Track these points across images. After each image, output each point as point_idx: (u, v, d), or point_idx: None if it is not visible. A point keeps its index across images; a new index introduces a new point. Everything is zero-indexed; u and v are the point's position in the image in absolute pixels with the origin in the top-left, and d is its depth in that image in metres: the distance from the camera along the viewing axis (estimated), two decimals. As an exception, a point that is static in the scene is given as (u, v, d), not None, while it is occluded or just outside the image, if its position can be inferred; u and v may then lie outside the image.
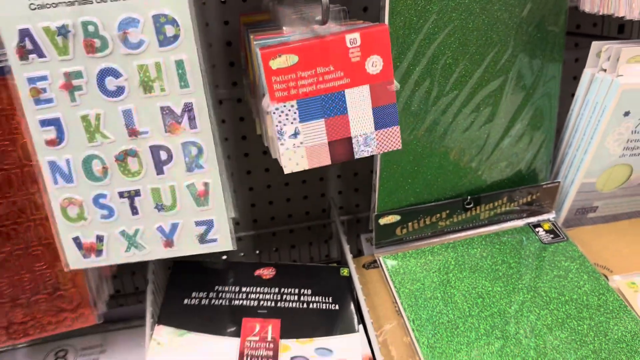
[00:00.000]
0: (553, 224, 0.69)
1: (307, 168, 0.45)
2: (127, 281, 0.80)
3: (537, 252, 0.66)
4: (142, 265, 0.66)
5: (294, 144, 0.44)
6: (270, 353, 0.55)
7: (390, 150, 0.47)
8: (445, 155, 0.63)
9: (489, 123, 0.62)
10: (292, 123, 0.43)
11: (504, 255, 0.65)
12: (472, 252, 0.66)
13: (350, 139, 0.46)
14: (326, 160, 0.45)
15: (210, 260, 0.65)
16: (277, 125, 0.43)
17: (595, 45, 0.62)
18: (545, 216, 0.70)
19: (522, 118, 0.64)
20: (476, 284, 0.62)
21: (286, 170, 0.45)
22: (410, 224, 0.65)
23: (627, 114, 0.61)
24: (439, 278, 0.63)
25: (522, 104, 0.63)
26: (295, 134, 0.44)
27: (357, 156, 0.46)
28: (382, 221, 0.64)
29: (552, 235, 0.68)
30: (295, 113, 0.43)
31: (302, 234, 0.85)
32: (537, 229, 0.68)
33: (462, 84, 0.59)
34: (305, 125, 0.44)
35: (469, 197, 0.66)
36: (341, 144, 0.46)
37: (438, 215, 0.66)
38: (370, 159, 0.61)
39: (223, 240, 0.51)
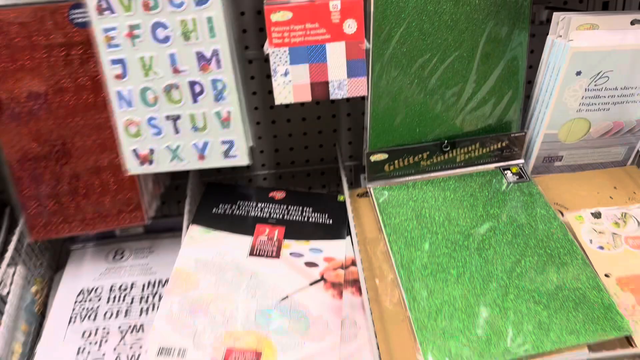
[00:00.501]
0: (520, 168, 0.82)
1: (292, 102, 0.61)
2: (172, 207, 0.98)
3: (501, 189, 0.79)
4: (185, 194, 0.84)
5: (284, 81, 0.60)
6: (275, 248, 0.71)
7: (358, 95, 0.62)
8: (425, 104, 0.77)
9: (462, 80, 0.76)
10: (283, 64, 0.59)
11: (473, 190, 0.79)
12: (447, 187, 0.80)
13: (327, 82, 0.61)
14: (307, 97, 0.61)
15: (236, 183, 0.82)
16: (272, 65, 0.59)
17: (555, 15, 0.74)
18: (515, 162, 0.83)
19: (492, 78, 0.77)
20: (446, 211, 0.76)
21: (277, 102, 0.61)
22: (396, 161, 0.80)
23: (578, 73, 0.73)
24: (417, 205, 0.77)
25: (492, 65, 0.76)
26: (286, 74, 0.60)
27: (331, 97, 0.62)
28: (373, 158, 0.79)
29: (517, 177, 0.81)
30: (287, 57, 0.59)
31: (316, 177, 1.01)
32: (505, 172, 0.81)
33: (437, 45, 0.73)
34: (294, 67, 0.59)
35: (446, 141, 0.79)
36: (320, 86, 0.61)
37: (420, 155, 0.80)
38: (363, 105, 0.76)
39: (241, 157, 0.67)
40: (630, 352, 0.61)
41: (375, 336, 0.63)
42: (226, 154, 0.67)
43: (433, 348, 0.61)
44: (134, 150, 0.67)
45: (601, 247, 0.71)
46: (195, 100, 0.64)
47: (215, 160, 0.67)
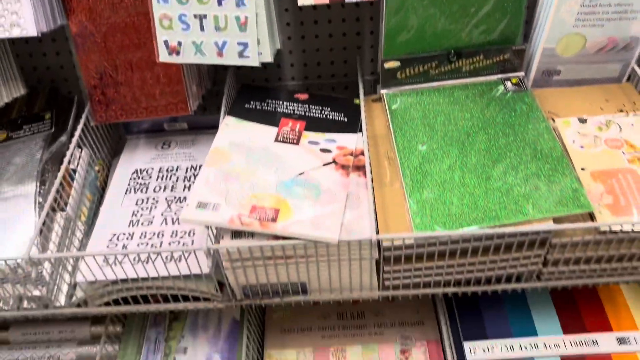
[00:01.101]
0: (520, 79, 0.91)
1: (312, 4, 0.72)
2: (213, 112, 1.12)
3: (499, 96, 0.88)
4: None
5: (307, -15, 0.71)
6: (296, 137, 0.84)
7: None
8: (434, 17, 0.86)
9: (468, -5, 0.84)
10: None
11: (474, 97, 0.89)
12: (452, 94, 0.90)
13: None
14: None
15: (266, 85, 0.94)
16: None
17: None
18: (515, 74, 0.92)
19: (497, -7, 0.85)
20: (448, 113, 0.86)
21: (299, 3, 0.72)
22: (407, 69, 0.90)
23: (574, -11, 0.81)
24: (423, 108, 0.88)
25: (498, -19, 0.84)
26: (308, -22, 0.70)
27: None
28: (387, 65, 0.89)
29: (516, 87, 0.90)
30: (308, -40, 0.70)
31: (340, 90, 1.12)
32: (506, 82, 0.91)
33: (446, -39, 0.82)
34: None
35: (452, 51, 0.89)
36: (338, -13, 0.72)
37: (429, 64, 0.90)
38: (379, 16, 0.86)
39: (253, 58, 0.78)
40: (590, 225, 0.71)
41: (374, 206, 0.75)
42: (240, 54, 0.78)
43: (422, 216, 0.73)
44: (165, 41, 0.79)
45: (582, 147, 0.81)
46: (219, 4, 0.76)
47: (231, 59, 0.79)
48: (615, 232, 0.72)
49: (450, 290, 0.80)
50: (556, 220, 0.72)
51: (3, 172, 0.88)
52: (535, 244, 0.73)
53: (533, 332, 0.90)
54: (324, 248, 0.73)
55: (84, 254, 0.74)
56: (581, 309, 0.92)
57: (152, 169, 0.93)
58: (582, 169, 0.78)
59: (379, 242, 0.73)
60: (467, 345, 0.90)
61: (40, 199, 0.85)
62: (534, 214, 0.71)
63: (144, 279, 0.77)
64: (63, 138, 0.92)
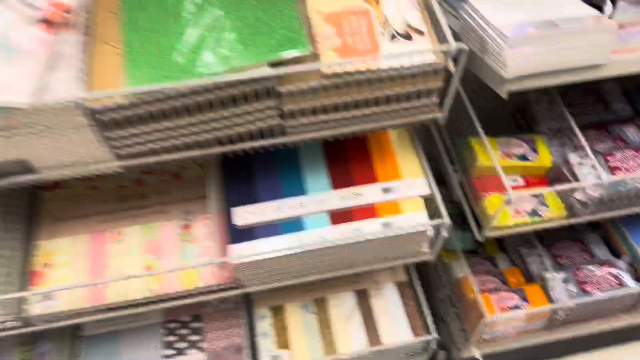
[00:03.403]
0: None
1: None
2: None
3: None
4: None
5: None
6: (-4, -7, 0.71)
7: None
8: None
9: None
10: None
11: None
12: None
13: None
14: None
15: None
16: None
17: None
18: None
19: None
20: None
21: None
22: None
23: None
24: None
25: None
26: None
27: None
28: None
29: None
30: None
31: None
32: None
33: None
34: None
35: None
36: None
37: None
38: None
39: None
40: (310, 67, 0.67)
41: (88, 67, 0.67)
42: None
43: (139, 71, 0.66)
44: None
45: (320, -10, 0.75)
46: None
47: None
48: (339, 75, 0.69)
49: (190, 154, 0.75)
50: (275, 65, 0.67)
51: None
52: (261, 94, 0.69)
53: (303, 191, 0.89)
54: (26, 117, 0.65)
55: None
56: (350, 163, 0.91)
57: None
58: (318, 12, 0.73)
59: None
60: (237, 212, 0.87)
61: None
62: (253, 58, 0.66)
63: None
64: None
